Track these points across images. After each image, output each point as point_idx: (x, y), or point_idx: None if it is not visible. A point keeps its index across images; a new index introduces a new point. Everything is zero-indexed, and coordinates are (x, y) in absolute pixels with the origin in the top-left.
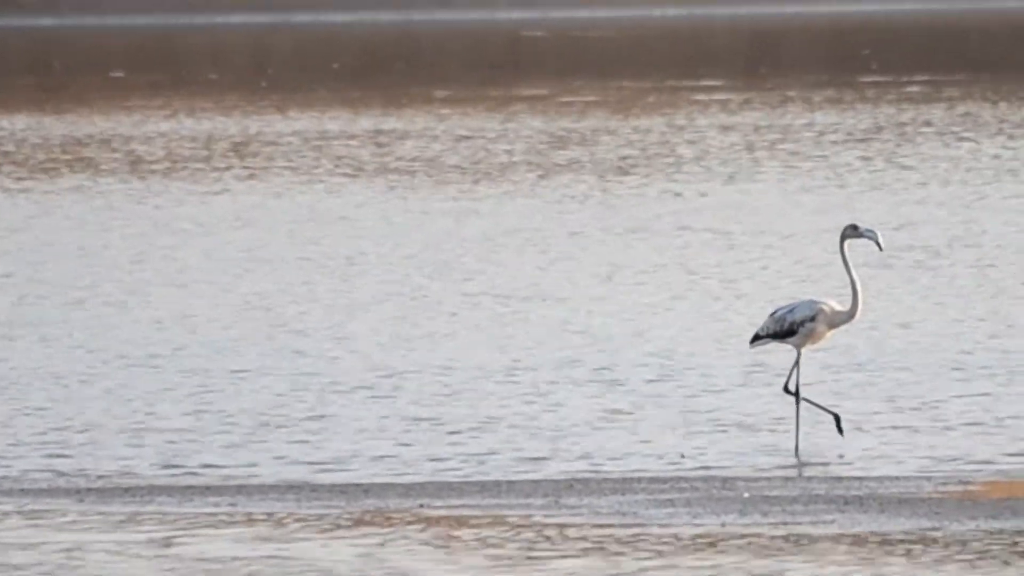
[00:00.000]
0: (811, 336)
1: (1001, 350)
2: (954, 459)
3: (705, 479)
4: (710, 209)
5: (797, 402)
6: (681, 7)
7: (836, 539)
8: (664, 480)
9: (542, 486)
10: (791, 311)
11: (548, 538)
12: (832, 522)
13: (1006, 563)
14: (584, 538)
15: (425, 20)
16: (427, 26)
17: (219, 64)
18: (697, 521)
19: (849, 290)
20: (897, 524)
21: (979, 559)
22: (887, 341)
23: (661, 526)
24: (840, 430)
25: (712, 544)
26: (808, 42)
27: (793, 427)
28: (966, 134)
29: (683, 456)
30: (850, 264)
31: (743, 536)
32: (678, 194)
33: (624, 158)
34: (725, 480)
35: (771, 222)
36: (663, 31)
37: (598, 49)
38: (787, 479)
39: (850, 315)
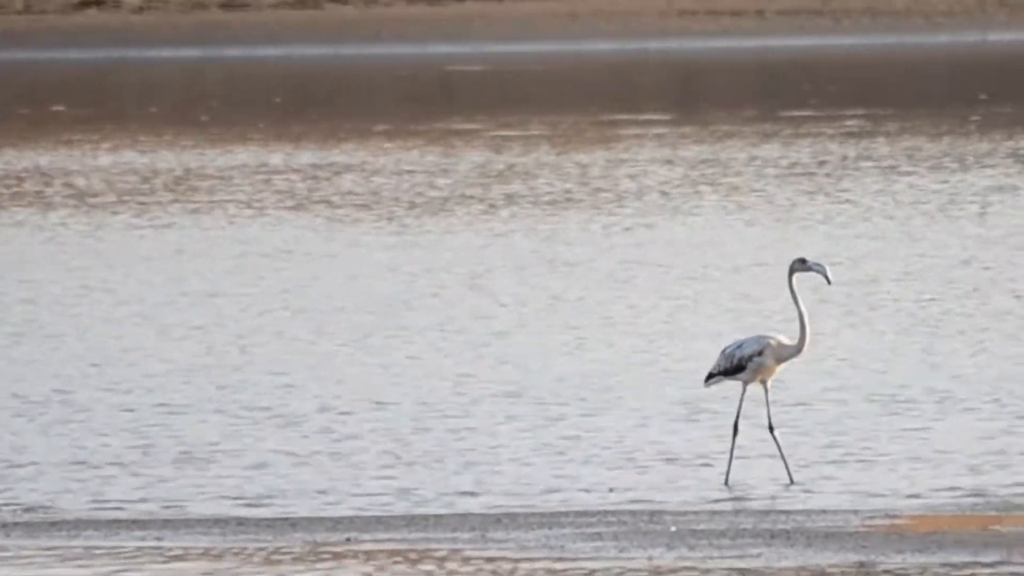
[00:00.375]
0: (760, 371)
1: (932, 385)
2: (881, 493)
3: (633, 513)
4: (653, 243)
5: (734, 435)
6: (613, 42)
7: (763, 573)
8: (592, 514)
9: (469, 520)
10: (739, 347)
11: (475, 573)
12: (759, 556)
13: None
14: (511, 572)
15: (355, 54)
16: (358, 60)
17: (157, 98)
18: (624, 555)
19: (797, 324)
20: (824, 558)
21: None
22: (819, 374)
23: (588, 560)
24: (788, 474)
25: None
26: (742, 76)
27: (725, 460)
28: (907, 168)
29: (611, 490)
30: (798, 298)
31: (671, 570)
32: (627, 228)
33: (566, 192)
34: (652, 514)
35: (714, 256)
36: (596, 65)
37: (532, 83)
38: (714, 513)
39: (798, 349)
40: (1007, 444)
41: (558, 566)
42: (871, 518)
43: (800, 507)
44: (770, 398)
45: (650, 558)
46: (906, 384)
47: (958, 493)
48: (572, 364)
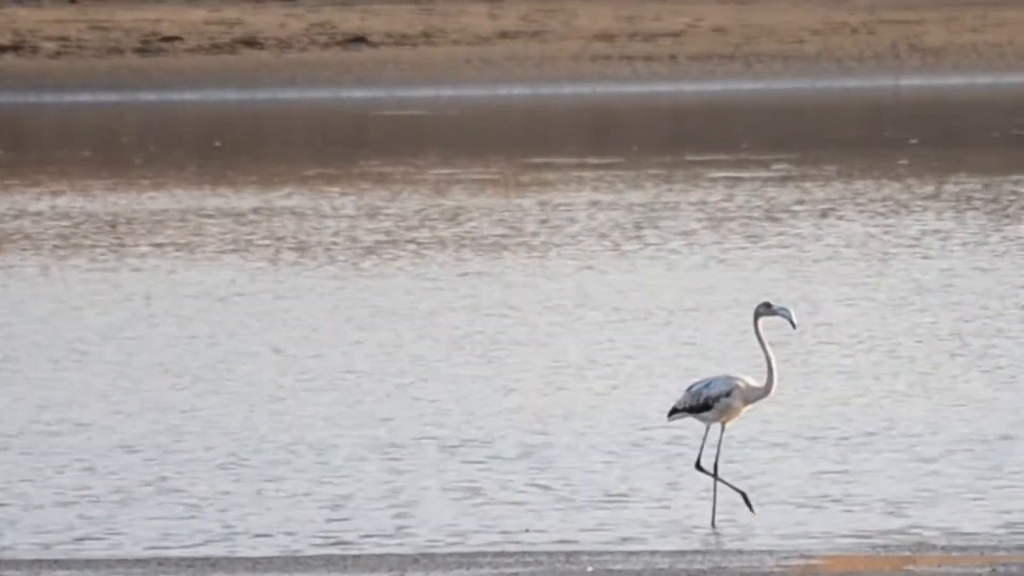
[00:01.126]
0: (726, 412)
1: (854, 426)
2: (797, 534)
3: (550, 554)
4: (591, 286)
5: (712, 473)
6: (528, 86)
7: None
8: (509, 555)
9: (387, 560)
10: (707, 386)
11: None
12: None
13: None
14: None
15: (271, 99)
16: (274, 105)
17: (80, 142)
18: None
19: (758, 366)
20: None
21: None
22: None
23: None
24: (749, 507)
25: None
26: (659, 121)
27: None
28: (841, 212)
29: (528, 531)
30: (765, 341)
31: None
32: (569, 272)
33: (501, 235)
34: (569, 555)
35: (655, 299)
36: (512, 110)
37: (450, 128)
38: (631, 553)
39: (765, 391)
40: (924, 485)
41: None
42: (786, 558)
43: (716, 547)
44: (721, 439)
45: None
46: (829, 426)
47: (873, 534)
48: (499, 405)
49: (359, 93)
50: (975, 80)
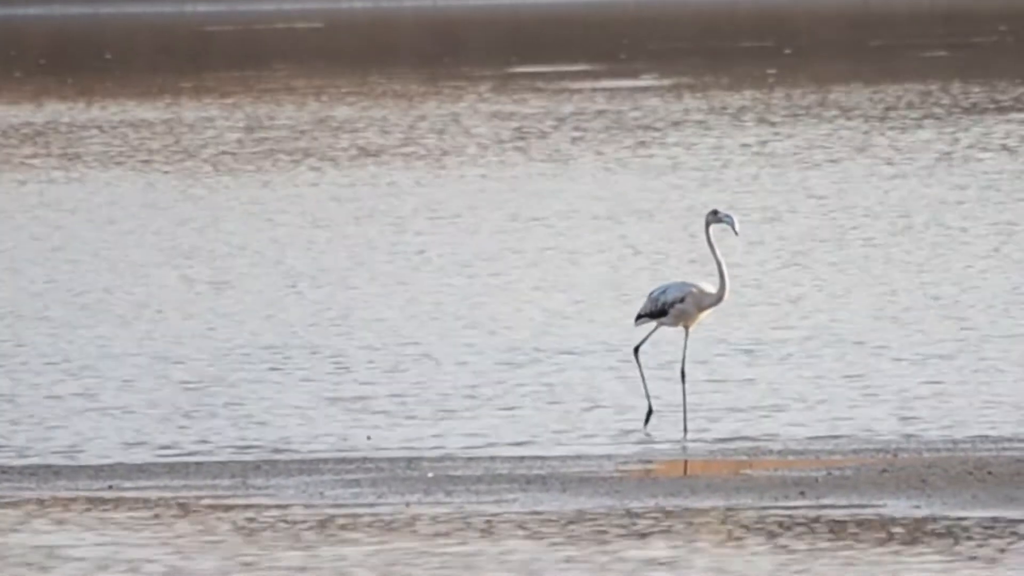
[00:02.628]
0: (682, 317)
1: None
2: (636, 440)
3: (391, 460)
4: (499, 194)
5: (683, 382)
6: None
7: (519, 518)
8: (350, 461)
9: (229, 467)
10: (664, 292)
11: (235, 519)
12: (515, 501)
13: (689, 540)
14: (270, 518)
15: (114, 13)
16: (116, 19)
17: None
18: (382, 501)
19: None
20: (579, 503)
21: (659, 535)
22: (573, 324)
23: (347, 506)
24: (647, 421)
25: (391, 525)
26: (503, 31)
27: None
28: (715, 122)
29: (369, 438)
30: (716, 248)
31: (428, 516)
32: (463, 177)
33: (400, 143)
34: (410, 461)
35: (548, 206)
36: (358, 22)
37: (297, 41)
38: (471, 459)
39: (719, 297)
40: (763, 392)
41: (316, 512)
42: (625, 463)
43: (556, 453)
44: (687, 344)
45: (407, 504)
46: (672, 340)
47: (710, 439)
48: (364, 315)
49: (202, 8)
50: None
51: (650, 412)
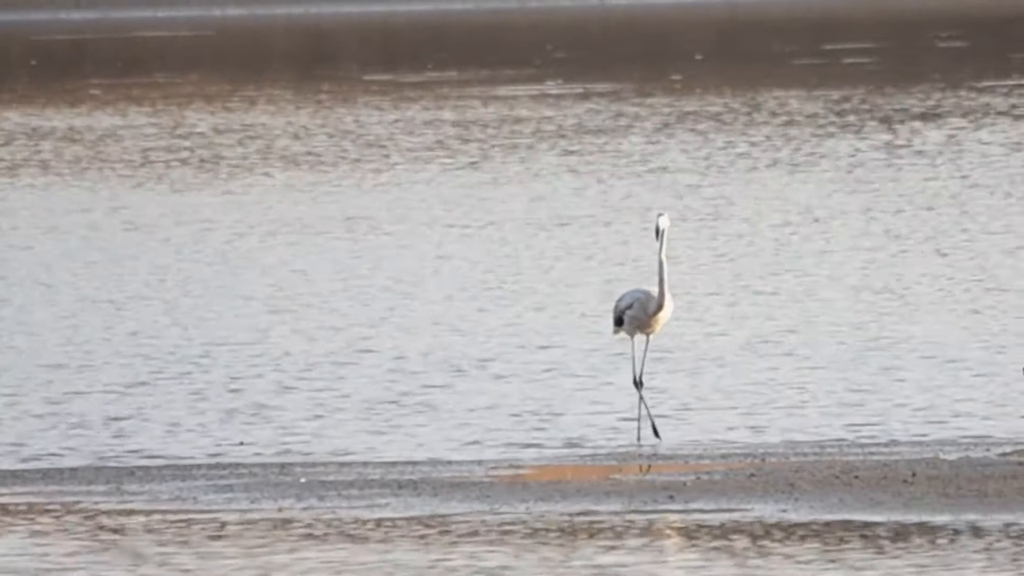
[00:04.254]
0: (637, 324)
1: (561, 340)
2: (507, 445)
3: (263, 465)
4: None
5: (637, 389)
6: (242, 7)
7: (391, 522)
8: (224, 467)
9: (104, 473)
10: (621, 299)
11: (110, 524)
12: (387, 506)
13: (561, 545)
14: (144, 523)
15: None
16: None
17: None
18: (255, 506)
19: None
20: (450, 507)
21: (528, 539)
22: (462, 332)
23: (220, 511)
24: (656, 432)
25: (264, 530)
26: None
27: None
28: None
29: (242, 443)
30: (662, 254)
31: (300, 520)
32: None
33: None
34: (283, 466)
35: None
36: (232, 30)
37: (176, 48)
38: (343, 464)
39: (658, 305)
40: (630, 398)
41: (190, 517)
42: (495, 468)
43: (426, 457)
44: (646, 351)
45: (280, 509)
46: (540, 342)
47: (582, 444)
48: (236, 323)
49: (78, 16)
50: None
51: (653, 425)
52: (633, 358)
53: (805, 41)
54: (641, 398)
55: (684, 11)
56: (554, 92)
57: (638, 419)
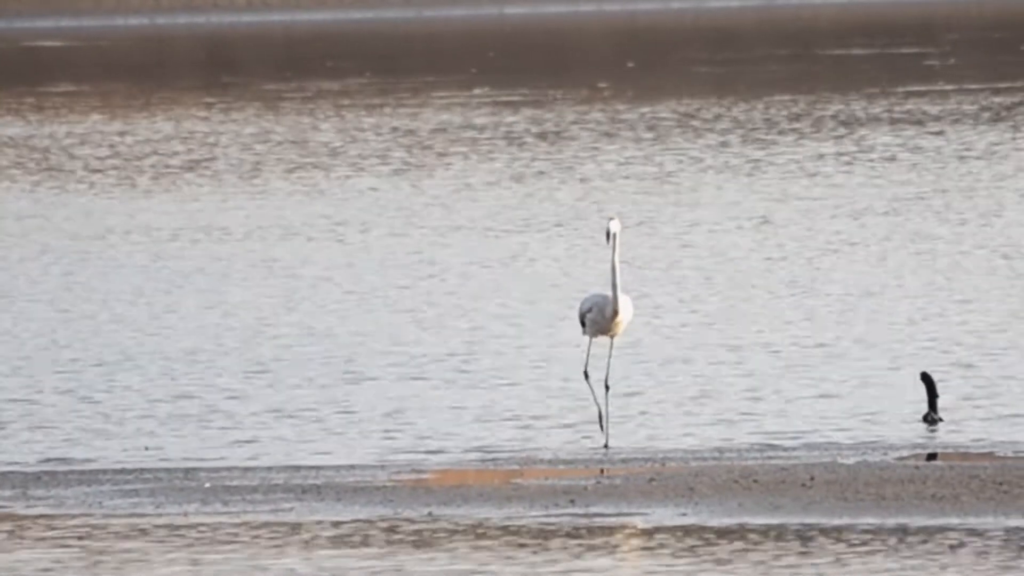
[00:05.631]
0: (598, 328)
1: (474, 344)
2: (409, 450)
3: (168, 470)
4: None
5: (605, 391)
6: (144, 16)
7: (295, 527)
8: (129, 472)
9: (10, 478)
10: (583, 303)
11: (15, 529)
12: (291, 510)
13: (474, 547)
14: (49, 528)
15: None
16: None
17: None
18: (160, 511)
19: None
20: (353, 512)
21: (432, 543)
22: (379, 337)
23: (125, 516)
24: (602, 427)
25: (168, 535)
26: (274, 48)
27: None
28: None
29: (148, 448)
30: (615, 259)
31: (205, 525)
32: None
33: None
34: (188, 471)
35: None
36: (132, 39)
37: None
38: (247, 469)
39: (613, 310)
40: (536, 404)
41: (96, 522)
42: (399, 473)
43: (330, 463)
44: (611, 354)
45: (185, 513)
46: (455, 348)
47: (485, 448)
48: (143, 328)
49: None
50: (577, 8)
51: (600, 418)
52: (587, 357)
53: (721, 50)
54: (600, 395)
55: (583, 20)
56: (479, 100)
57: (604, 420)
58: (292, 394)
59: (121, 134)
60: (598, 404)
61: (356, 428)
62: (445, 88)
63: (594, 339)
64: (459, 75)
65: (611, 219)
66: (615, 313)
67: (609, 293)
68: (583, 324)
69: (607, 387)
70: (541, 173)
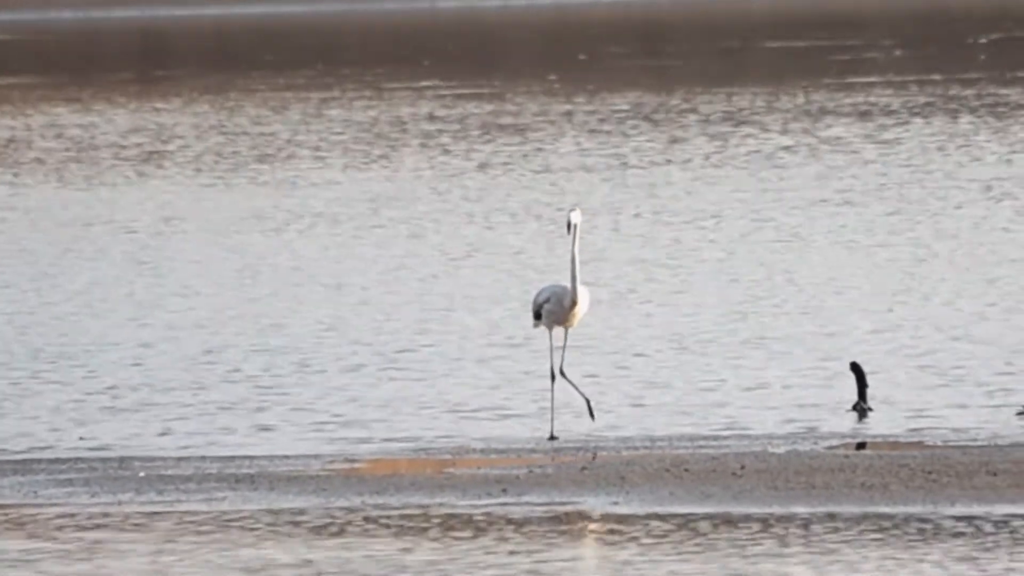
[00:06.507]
0: (555, 319)
1: (405, 338)
2: (342, 439)
3: (103, 460)
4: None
5: (552, 379)
6: (78, 10)
7: (228, 516)
8: (64, 461)
9: None
10: (540, 294)
11: None
12: (224, 499)
13: (407, 536)
14: None
15: None
16: None
17: None
18: (95, 500)
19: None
20: (287, 501)
21: (362, 532)
22: (327, 335)
23: (60, 505)
24: (591, 414)
25: (102, 524)
26: (208, 41)
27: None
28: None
29: (82, 438)
30: (575, 251)
31: (139, 514)
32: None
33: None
34: (122, 460)
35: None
36: (65, 32)
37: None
38: (181, 459)
39: (571, 300)
40: (467, 392)
41: (30, 511)
42: (332, 462)
43: (264, 452)
44: (562, 344)
45: (119, 503)
46: (391, 337)
47: (418, 438)
48: (80, 318)
49: None
50: (508, 3)
51: (588, 406)
52: (551, 350)
53: (652, 44)
54: (564, 385)
55: (514, 14)
56: (434, 92)
57: (551, 411)
58: (228, 384)
59: (56, 127)
60: (554, 398)
61: (291, 418)
62: (397, 80)
63: (551, 330)
64: (409, 67)
65: (572, 209)
66: (573, 303)
67: (566, 283)
68: (538, 316)
69: (556, 375)
70: (504, 164)
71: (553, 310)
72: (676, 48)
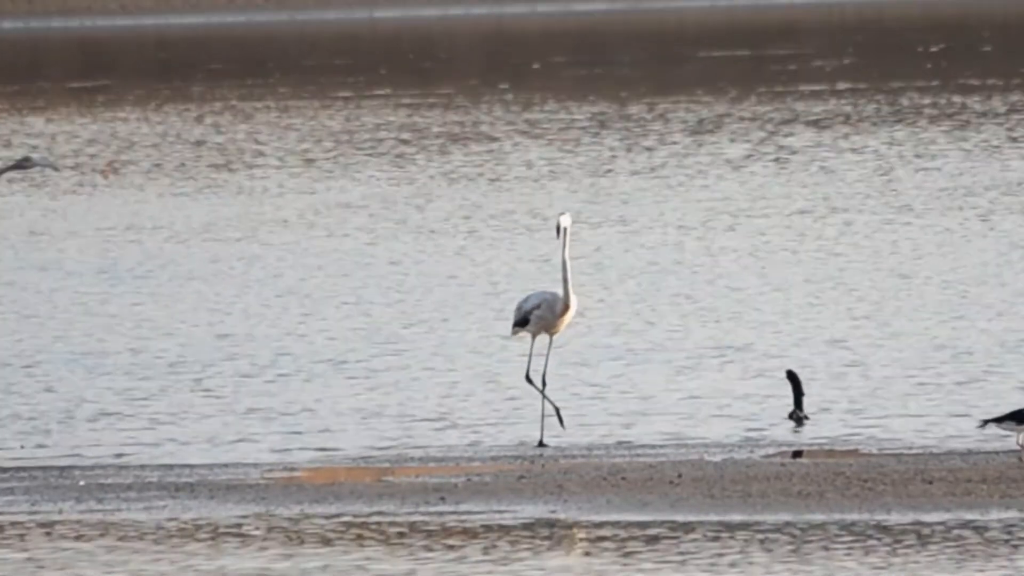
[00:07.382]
0: (542, 324)
1: (371, 347)
2: (281, 448)
3: (44, 468)
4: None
5: (541, 388)
6: (18, 20)
7: (166, 525)
8: (4, 470)
9: None
10: (526, 300)
11: None
12: (165, 508)
13: (345, 545)
14: None
15: None
16: None
17: None
18: (36, 508)
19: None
20: (226, 509)
21: (302, 540)
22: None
23: (0, 514)
24: (561, 422)
25: (41, 533)
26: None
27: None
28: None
29: (23, 447)
30: (566, 256)
31: (79, 523)
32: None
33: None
34: (63, 469)
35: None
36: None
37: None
38: (122, 467)
39: (564, 305)
40: (403, 401)
41: None
42: (271, 471)
43: (203, 461)
44: (546, 352)
45: (60, 511)
46: (342, 348)
47: (357, 447)
48: (26, 326)
49: None
50: (446, 12)
51: (558, 412)
52: (530, 357)
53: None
54: (544, 396)
55: (452, 24)
56: (391, 102)
57: (541, 418)
58: (170, 393)
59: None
60: (552, 403)
61: (232, 427)
62: (349, 89)
63: (534, 337)
64: (362, 76)
65: (562, 214)
66: (566, 308)
67: (556, 290)
68: (524, 322)
69: (543, 383)
70: (464, 173)
71: (544, 316)
72: (623, 57)
